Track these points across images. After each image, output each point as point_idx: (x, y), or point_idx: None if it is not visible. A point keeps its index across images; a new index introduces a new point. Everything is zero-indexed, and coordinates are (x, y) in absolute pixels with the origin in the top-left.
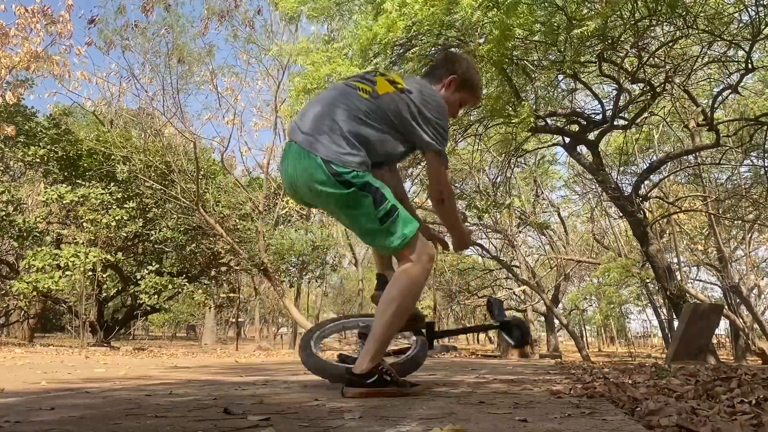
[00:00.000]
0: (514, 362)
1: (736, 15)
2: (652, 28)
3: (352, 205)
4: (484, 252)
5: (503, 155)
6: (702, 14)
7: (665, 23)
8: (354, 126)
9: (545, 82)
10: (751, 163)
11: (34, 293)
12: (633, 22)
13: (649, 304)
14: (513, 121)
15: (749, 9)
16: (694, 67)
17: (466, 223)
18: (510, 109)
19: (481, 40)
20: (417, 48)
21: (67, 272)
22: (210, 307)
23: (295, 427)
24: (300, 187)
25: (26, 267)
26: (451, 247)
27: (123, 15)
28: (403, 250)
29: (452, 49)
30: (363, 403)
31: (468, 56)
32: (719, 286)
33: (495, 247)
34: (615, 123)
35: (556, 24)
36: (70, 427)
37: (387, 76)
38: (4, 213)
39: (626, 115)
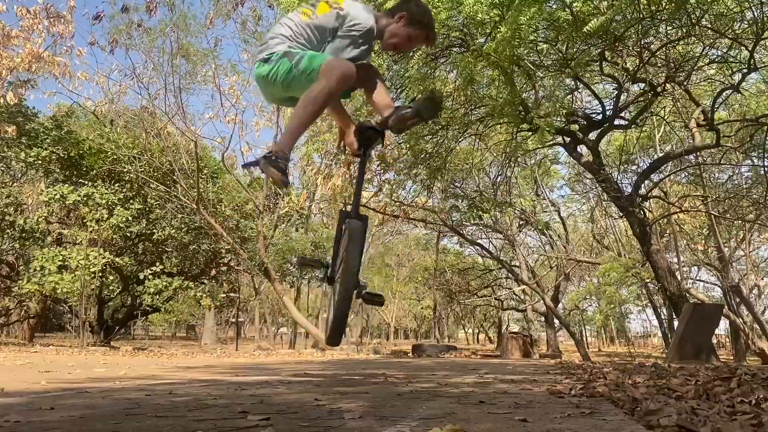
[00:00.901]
0: (515, 362)
1: (740, 14)
2: (655, 27)
3: (278, 72)
4: (484, 252)
5: (503, 155)
6: (706, 14)
7: (668, 22)
8: (286, 31)
9: (550, 83)
10: (751, 163)
11: (46, 294)
12: (637, 21)
13: (649, 304)
14: (532, 122)
15: (753, 8)
16: (695, 67)
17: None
18: (521, 110)
19: (482, 40)
20: (420, 47)
21: (76, 273)
22: (210, 307)
23: (295, 426)
24: (260, 86)
25: (35, 268)
26: None
27: (128, 14)
28: (317, 74)
29: None
30: (363, 402)
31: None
32: (719, 286)
33: (495, 247)
34: (615, 123)
35: (561, 21)
36: (70, 426)
37: (329, 2)
38: (5, 213)
39: (627, 115)
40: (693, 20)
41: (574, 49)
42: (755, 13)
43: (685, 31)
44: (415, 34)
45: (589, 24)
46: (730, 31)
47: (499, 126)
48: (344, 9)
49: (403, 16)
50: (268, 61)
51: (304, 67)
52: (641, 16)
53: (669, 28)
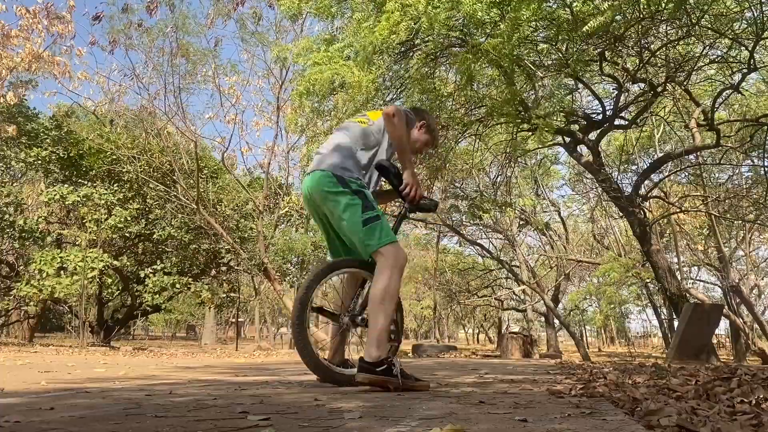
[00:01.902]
0: (515, 362)
1: (740, 14)
2: (655, 26)
3: (345, 206)
4: (484, 252)
5: (504, 155)
6: (706, 14)
7: (668, 22)
8: (353, 151)
9: (550, 82)
10: (751, 163)
11: (44, 298)
12: (636, 21)
13: (649, 304)
14: (531, 122)
15: (753, 8)
16: (695, 67)
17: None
18: (521, 110)
19: (482, 39)
20: (421, 48)
21: (75, 276)
22: (210, 307)
23: (295, 427)
24: (313, 195)
25: (33, 271)
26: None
27: (128, 14)
28: (379, 251)
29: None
30: (363, 402)
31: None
32: (719, 286)
33: (495, 247)
34: (615, 123)
35: (561, 20)
36: (70, 426)
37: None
38: (5, 213)
39: (627, 115)
40: (693, 20)
41: (574, 49)
42: (755, 13)
43: (685, 30)
44: (429, 140)
45: (589, 24)
46: (729, 31)
47: (499, 126)
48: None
49: (423, 124)
50: (340, 178)
51: (371, 232)
52: (641, 16)
53: (669, 28)
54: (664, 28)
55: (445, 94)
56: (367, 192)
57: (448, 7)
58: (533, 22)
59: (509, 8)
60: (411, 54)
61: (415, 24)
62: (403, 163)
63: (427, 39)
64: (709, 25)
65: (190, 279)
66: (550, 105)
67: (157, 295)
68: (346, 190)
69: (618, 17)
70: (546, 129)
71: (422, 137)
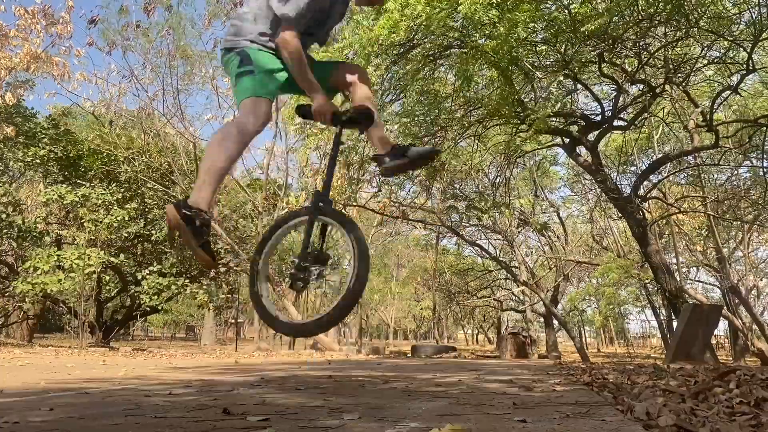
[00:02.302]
0: (514, 363)
1: (739, 16)
2: (653, 28)
3: (230, 65)
4: (483, 252)
5: (503, 156)
6: (705, 15)
7: (667, 23)
8: (245, 18)
9: (547, 83)
10: (750, 164)
11: (37, 295)
12: (635, 23)
13: (648, 305)
14: (527, 119)
15: (751, 10)
16: (694, 68)
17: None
18: (518, 110)
19: (482, 41)
20: (419, 48)
21: (71, 274)
22: (209, 308)
23: (295, 427)
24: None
25: (29, 268)
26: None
27: (125, 15)
28: (241, 104)
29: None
30: (362, 403)
31: None
32: (718, 287)
33: (494, 248)
34: (614, 123)
35: (559, 21)
36: (69, 427)
37: None
38: (4, 214)
39: (626, 116)
40: (691, 22)
41: (573, 51)
42: (753, 15)
43: (684, 31)
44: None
45: (587, 25)
46: (728, 32)
47: (498, 127)
48: None
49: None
50: (225, 49)
51: (238, 85)
52: (639, 17)
53: (667, 29)
54: (663, 29)
55: (444, 95)
56: (247, 49)
57: (447, 8)
58: (531, 24)
59: (506, 9)
60: (410, 54)
61: (414, 23)
62: (309, 92)
63: (425, 39)
64: (708, 27)
65: (187, 280)
66: (548, 105)
67: (155, 297)
68: (230, 55)
69: (616, 18)
70: (541, 122)
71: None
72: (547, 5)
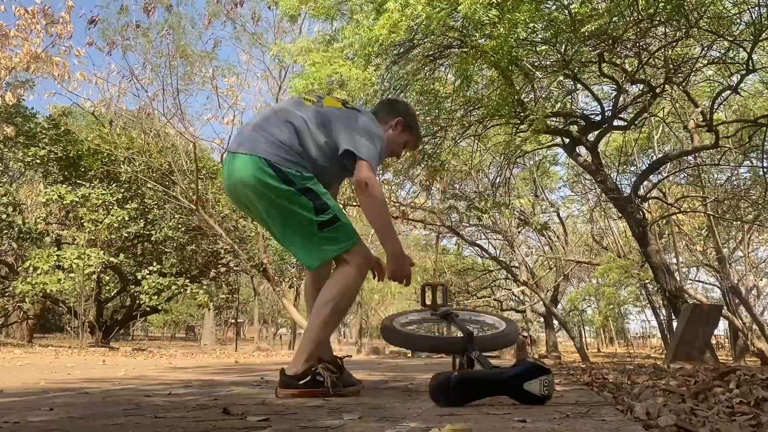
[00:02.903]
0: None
1: (739, 15)
2: (653, 27)
3: (288, 205)
4: (483, 252)
5: (502, 156)
6: (705, 15)
7: (666, 24)
8: (291, 136)
9: (548, 83)
10: (750, 164)
11: (37, 295)
12: (635, 22)
13: (648, 305)
14: (527, 119)
15: (751, 10)
16: (694, 68)
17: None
18: (518, 110)
19: (482, 41)
20: (419, 48)
21: (71, 274)
22: (210, 308)
23: (295, 427)
24: (242, 188)
25: (28, 268)
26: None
27: (125, 15)
28: (342, 255)
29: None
30: (363, 403)
31: (407, 102)
32: (718, 287)
33: (494, 248)
34: (614, 123)
35: (559, 21)
36: (69, 427)
37: (336, 98)
38: (4, 214)
39: (626, 116)
40: (690, 23)
41: (572, 51)
42: (753, 15)
43: (684, 31)
44: (409, 140)
45: (587, 26)
46: (728, 33)
47: (498, 127)
48: (358, 110)
49: (399, 122)
50: (278, 171)
51: (331, 236)
52: (639, 17)
53: (667, 29)
54: (663, 29)
55: (444, 95)
56: (315, 186)
57: (447, 8)
58: (531, 24)
59: (506, 9)
60: (410, 54)
61: (413, 23)
62: (385, 246)
63: (425, 39)
64: (707, 27)
65: (187, 280)
66: (547, 105)
67: (155, 297)
68: (290, 189)
69: (616, 18)
70: (540, 125)
71: (399, 138)
72: (548, 5)
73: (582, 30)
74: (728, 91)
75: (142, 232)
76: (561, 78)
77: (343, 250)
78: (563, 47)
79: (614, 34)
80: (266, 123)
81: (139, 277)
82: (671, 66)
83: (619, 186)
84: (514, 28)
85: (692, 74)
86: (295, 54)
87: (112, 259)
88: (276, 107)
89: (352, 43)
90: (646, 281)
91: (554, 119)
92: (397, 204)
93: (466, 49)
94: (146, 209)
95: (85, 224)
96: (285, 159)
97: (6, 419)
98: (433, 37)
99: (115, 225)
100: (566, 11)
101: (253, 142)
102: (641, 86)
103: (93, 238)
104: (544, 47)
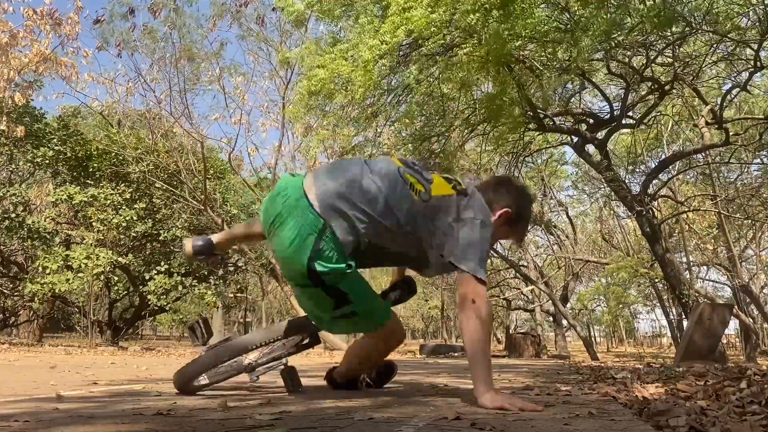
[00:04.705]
0: (523, 362)
1: (745, 14)
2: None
3: (310, 293)
4: (492, 252)
5: (510, 155)
6: (711, 13)
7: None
8: (374, 233)
9: (553, 82)
10: (761, 162)
11: (46, 294)
12: (636, 24)
13: (658, 304)
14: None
15: (757, 8)
16: (703, 66)
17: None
18: (526, 109)
19: (481, 42)
20: (423, 49)
21: (80, 274)
22: (218, 308)
23: (303, 427)
24: (273, 233)
25: (38, 268)
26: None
27: (131, 17)
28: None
29: (511, 176)
30: (371, 403)
31: (528, 190)
32: (729, 286)
33: (503, 246)
34: (623, 122)
35: (563, 23)
36: (78, 426)
37: (446, 176)
38: (14, 214)
39: (634, 114)
40: (694, 25)
41: (576, 51)
42: (759, 13)
43: (689, 31)
44: (510, 234)
45: (591, 31)
46: (734, 32)
47: (503, 126)
48: (468, 194)
49: (506, 213)
50: (312, 270)
51: (347, 321)
52: (641, 20)
53: (674, 29)
54: (670, 29)
55: (450, 97)
56: (344, 282)
57: (445, 17)
58: (529, 26)
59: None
60: (412, 56)
61: (413, 26)
62: (475, 380)
63: (429, 41)
64: (712, 29)
65: (195, 280)
66: (554, 104)
67: (163, 296)
68: (317, 288)
69: (618, 19)
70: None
71: (500, 231)
72: (546, 13)
73: (585, 37)
74: (737, 89)
75: (150, 231)
76: (570, 77)
77: (354, 332)
78: (567, 48)
79: (618, 36)
80: (356, 198)
81: (147, 277)
82: (679, 63)
83: (629, 185)
84: (510, 33)
85: (701, 71)
86: (300, 57)
87: (120, 258)
88: (382, 186)
89: (357, 44)
90: (656, 280)
91: (563, 118)
92: None
93: (465, 53)
94: (155, 209)
95: (93, 224)
96: (335, 256)
97: (16, 418)
98: (434, 37)
99: (124, 225)
100: (567, 13)
101: (327, 213)
102: (650, 84)
103: (102, 237)
104: (549, 45)
